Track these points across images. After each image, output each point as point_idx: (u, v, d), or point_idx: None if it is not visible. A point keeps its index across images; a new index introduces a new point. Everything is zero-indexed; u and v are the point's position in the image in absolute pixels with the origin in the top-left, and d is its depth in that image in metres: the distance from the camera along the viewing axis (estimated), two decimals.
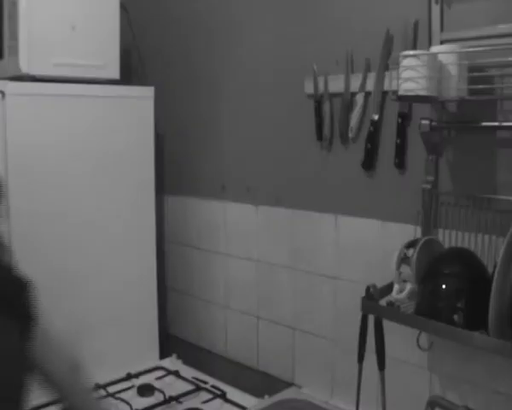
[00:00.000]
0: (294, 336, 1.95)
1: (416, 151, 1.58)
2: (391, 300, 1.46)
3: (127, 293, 2.15)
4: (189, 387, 2.04)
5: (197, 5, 2.21)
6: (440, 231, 1.53)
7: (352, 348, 1.59)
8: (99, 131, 2.02)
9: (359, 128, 1.71)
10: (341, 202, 1.78)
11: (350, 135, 1.72)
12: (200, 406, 1.93)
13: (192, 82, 2.25)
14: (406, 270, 1.43)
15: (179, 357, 2.29)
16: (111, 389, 1.97)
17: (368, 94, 1.68)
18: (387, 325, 1.48)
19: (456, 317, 1.29)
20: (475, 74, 1.36)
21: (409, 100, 1.48)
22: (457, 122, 1.50)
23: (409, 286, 1.43)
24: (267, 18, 1.96)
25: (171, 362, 2.26)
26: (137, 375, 2.12)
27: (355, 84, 1.70)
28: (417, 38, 1.55)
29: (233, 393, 2.00)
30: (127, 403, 1.87)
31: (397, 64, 1.39)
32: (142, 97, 2.18)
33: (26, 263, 1.84)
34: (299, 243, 1.91)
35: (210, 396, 1.99)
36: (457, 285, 1.32)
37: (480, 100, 1.39)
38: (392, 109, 1.62)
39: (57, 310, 1.92)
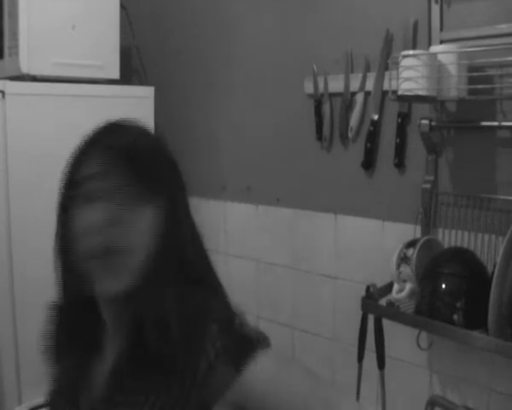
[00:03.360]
0: (294, 336, 1.95)
1: (416, 151, 1.58)
2: (391, 299, 1.46)
3: None
4: None
5: (197, 5, 2.21)
6: (440, 230, 1.53)
7: (351, 348, 1.59)
8: None
9: (359, 128, 1.71)
10: (341, 201, 1.78)
11: (349, 135, 1.72)
12: None
13: (192, 82, 2.25)
14: (406, 270, 1.43)
15: None
16: None
17: (367, 94, 1.68)
18: (387, 324, 1.48)
19: (455, 316, 1.29)
20: (475, 74, 1.36)
21: (408, 100, 1.48)
22: (457, 122, 1.51)
23: (408, 286, 1.43)
24: (267, 18, 1.96)
25: None
26: None
27: (355, 84, 1.70)
28: (417, 37, 1.55)
29: None
30: None
31: (396, 64, 1.39)
32: (142, 97, 2.18)
33: (26, 264, 1.85)
34: (300, 243, 1.91)
35: None
36: (457, 285, 1.32)
37: (479, 100, 1.39)
38: (392, 109, 1.62)
39: None
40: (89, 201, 0.80)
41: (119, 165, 0.80)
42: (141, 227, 0.80)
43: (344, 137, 1.75)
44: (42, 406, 1.65)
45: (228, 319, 0.85)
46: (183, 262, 0.85)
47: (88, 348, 0.89)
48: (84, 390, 0.87)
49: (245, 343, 0.82)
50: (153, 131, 0.92)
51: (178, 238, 0.85)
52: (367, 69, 1.67)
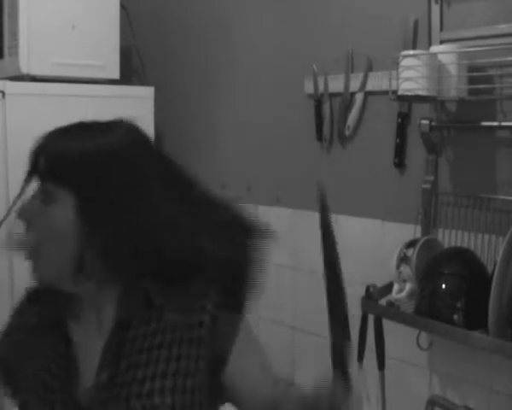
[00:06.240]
0: (294, 336, 1.95)
1: (416, 151, 1.58)
2: (391, 300, 1.46)
3: None
4: None
5: (197, 5, 2.21)
6: (440, 230, 1.53)
7: (351, 348, 1.59)
8: None
9: (357, 127, 1.71)
10: (341, 201, 1.78)
11: (346, 133, 1.72)
12: None
13: (192, 82, 2.25)
14: (406, 270, 1.43)
15: None
16: None
17: (367, 94, 1.68)
18: (387, 324, 1.48)
19: (455, 317, 1.29)
20: (475, 74, 1.36)
21: (408, 100, 1.48)
22: (457, 122, 1.51)
23: (408, 286, 1.43)
24: (267, 18, 1.96)
25: None
26: None
27: (355, 84, 1.70)
28: (417, 37, 1.55)
29: None
30: None
31: (396, 64, 1.39)
32: (142, 97, 2.18)
33: (25, 264, 1.85)
34: (300, 243, 1.91)
35: None
36: (457, 285, 1.32)
37: (479, 100, 1.39)
38: (392, 109, 1.62)
39: None
40: None
41: (36, 159, 0.85)
42: (48, 226, 0.83)
43: (343, 137, 1.75)
44: None
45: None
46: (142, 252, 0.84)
47: (60, 339, 0.90)
48: (75, 383, 0.86)
49: (243, 279, 0.88)
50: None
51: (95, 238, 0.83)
52: (368, 69, 1.67)
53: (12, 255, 1.84)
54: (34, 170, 0.85)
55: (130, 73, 2.43)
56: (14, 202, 0.86)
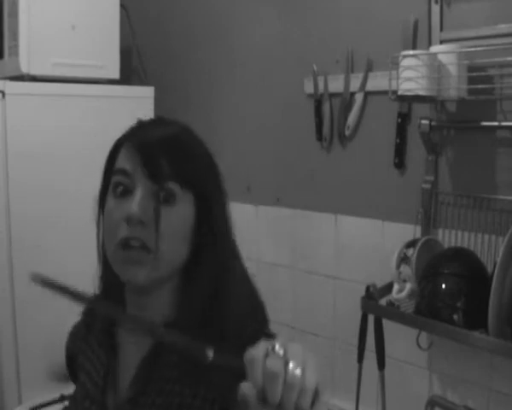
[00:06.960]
0: (294, 336, 1.95)
1: (416, 151, 1.58)
2: (391, 299, 1.46)
3: None
4: None
5: (197, 5, 2.21)
6: (440, 230, 1.53)
7: (351, 348, 1.59)
8: (99, 131, 2.02)
9: (357, 127, 1.71)
10: (341, 201, 1.78)
11: (346, 133, 1.72)
12: None
13: (192, 82, 2.25)
14: (406, 270, 1.43)
15: None
16: None
17: (367, 94, 1.68)
18: (387, 324, 1.48)
19: (455, 316, 1.29)
20: (475, 74, 1.36)
21: (408, 100, 1.48)
22: (457, 122, 1.51)
23: (408, 286, 1.43)
24: (267, 18, 1.96)
25: None
26: None
27: (355, 84, 1.70)
28: (417, 37, 1.55)
29: None
30: None
31: (396, 64, 1.39)
32: (142, 97, 2.18)
33: (25, 264, 1.85)
34: (299, 243, 1.91)
35: None
36: (457, 285, 1.32)
37: (479, 100, 1.39)
38: (392, 109, 1.62)
39: (55, 310, 1.93)
40: (124, 193, 0.81)
41: (156, 159, 0.80)
42: (169, 226, 0.80)
43: (343, 137, 1.75)
44: (42, 406, 1.65)
45: (262, 321, 0.86)
46: (216, 262, 0.84)
47: (107, 350, 0.89)
48: (111, 391, 0.86)
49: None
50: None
51: (211, 237, 0.84)
52: (368, 69, 1.67)
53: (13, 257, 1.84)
54: (154, 172, 0.80)
55: (130, 73, 2.43)
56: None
